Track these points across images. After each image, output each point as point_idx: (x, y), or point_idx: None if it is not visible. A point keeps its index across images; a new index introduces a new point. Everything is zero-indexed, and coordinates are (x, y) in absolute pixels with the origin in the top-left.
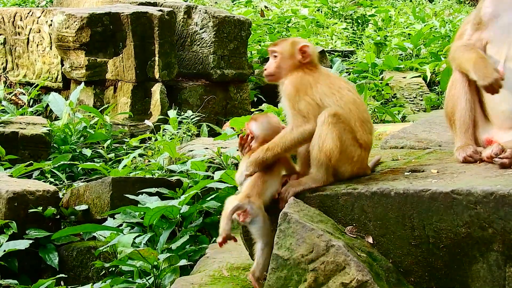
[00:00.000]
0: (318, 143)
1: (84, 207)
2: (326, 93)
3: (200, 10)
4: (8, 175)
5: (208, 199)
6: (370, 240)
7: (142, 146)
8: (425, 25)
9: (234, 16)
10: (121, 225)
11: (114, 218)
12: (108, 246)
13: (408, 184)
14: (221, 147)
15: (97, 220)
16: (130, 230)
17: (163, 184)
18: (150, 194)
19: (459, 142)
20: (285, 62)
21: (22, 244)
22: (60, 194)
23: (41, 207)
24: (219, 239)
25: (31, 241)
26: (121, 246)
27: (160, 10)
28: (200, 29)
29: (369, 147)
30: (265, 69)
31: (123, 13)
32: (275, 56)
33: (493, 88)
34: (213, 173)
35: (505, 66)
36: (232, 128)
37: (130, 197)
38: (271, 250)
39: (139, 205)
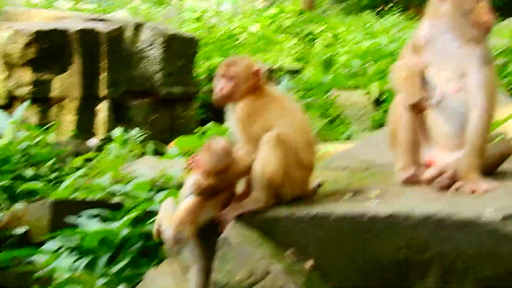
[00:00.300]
0: (260, 165)
1: (23, 229)
2: (276, 116)
3: (148, 27)
4: None
5: (149, 221)
6: (310, 263)
7: (86, 166)
8: (373, 42)
9: (182, 34)
10: (60, 248)
11: (53, 241)
12: (46, 271)
13: (347, 207)
14: (166, 167)
15: (37, 243)
16: (68, 253)
17: (104, 206)
18: (91, 216)
19: (401, 163)
20: (240, 85)
21: None
22: None
23: None
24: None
25: None
26: (58, 271)
27: (108, 27)
28: (148, 46)
29: (312, 169)
30: (219, 91)
31: (70, 29)
32: (230, 78)
33: (417, 108)
34: (157, 193)
35: (445, 87)
36: (176, 147)
37: (70, 220)
38: (207, 274)
39: (78, 228)
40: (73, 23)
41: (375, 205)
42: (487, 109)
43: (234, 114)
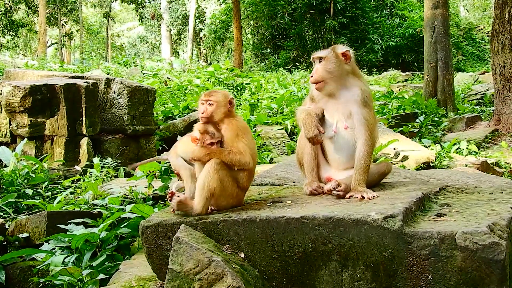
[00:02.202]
0: (202, 181)
1: (25, 235)
2: (250, 140)
3: (117, 81)
4: None
5: (122, 226)
6: (242, 255)
7: (72, 186)
8: (286, 90)
9: (143, 86)
10: (54, 248)
11: (48, 243)
12: (43, 265)
13: (269, 212)
14: (133, 186)
15: (36, 245)
16: (61, 252)
17: (87, 216)
18: (77, 223)
19: (307, 180)
20: (219, 110)
21: None
22: (7, 225)
23: None
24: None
25: None
26: (53, 265)
27: (86, 82)
28: (117, 95)
29: (247, 189)
30: (202, 113)
31: (57, 84)
32: (210, 104)
33: (313, 141)
34: (126, 206)
35: (337, 126)
36: (141, 171)
37: (61, 227)
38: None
39: (68, 233)
40: (59, 80)
41: (289, 211)
42: (368, 139)
43: (225, 130)
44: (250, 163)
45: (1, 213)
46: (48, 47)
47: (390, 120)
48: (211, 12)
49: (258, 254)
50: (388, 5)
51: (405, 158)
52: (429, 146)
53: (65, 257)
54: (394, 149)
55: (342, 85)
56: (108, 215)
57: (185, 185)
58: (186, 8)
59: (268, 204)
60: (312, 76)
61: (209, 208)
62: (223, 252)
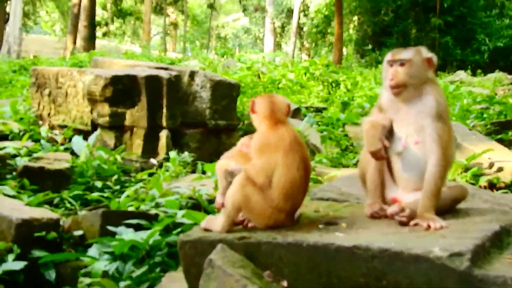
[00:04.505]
0: (229, 194)
1: (80, 232)
2: (277, 163)
3: (201, 74)
4: (25, 204)
5: (174, 232)
6: (285, 283)
7: (144, 180)
8: None
9: (226, 80)
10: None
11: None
12: (87, 270)
13: (319, 237)
14: (200, 186)
15: (89, 244)
16: (106, 258)
17: (143, 217)
18: (130, 225)
19: (369, 199)
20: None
21: (17, 265)
22: (61, 222)
23: (45, 232)
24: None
25: (25, 263)
26: (94, 272)
27: (169, 74)
28: (200, 88)
29: (286, 209)
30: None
31: (139, 75)
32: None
33: (376, 155)
34: (189, 208)
35: (406, 141)
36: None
37: (110, 229)
38: None
39: (116, 236)
40: (142, 71)
41: (341, 236)
42: (440, 159)
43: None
44: (264, 185)
45: (69, 205)
46: (155, 35)
47: (488, 126)
48: (316, 6)
49: (303, 284)
50: (498, 5)
51: (500, 169)
52: None
53: (108, 264)
54: (488, 158)
55: (418, 93)
56: (163, 219)
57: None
58: (291, 1)
59: (320, 226)
60: (392, 79)
61: (247, 222)
62: (262, 280)
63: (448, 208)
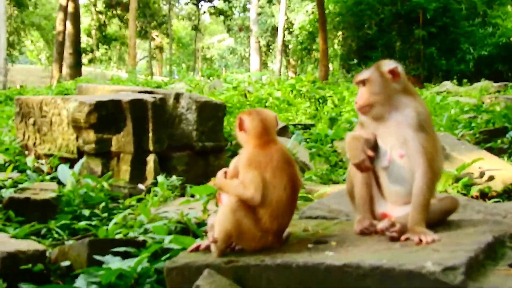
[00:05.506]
0: (218, 221)
1: (67, 263)
2: (265, 182)
3: (186, 96)
4: (10, 236)
5: (163, 259)
6: None
7: (133, 206)
8: None
9: (212, 100)
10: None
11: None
12: None
13: (308, 257)
14: (187, 209)
15: (77, 274)
16: None
17: (131, 244)
18: (117, 253)
19: (358, 216)
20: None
21: None
22: (48, 253)
23: (31, 264)
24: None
25: None
26: None
27: (154, 97)
28: (186, 111)
29: (272, 230)
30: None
31: (123, 99)
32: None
33: (361, 167)
34: (178, 232)
35: (391, 155)
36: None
37: (96, 258)
38: None
39: (104, 265)
40: (126, 95)
41: (331, 255)
42: (427, 171)
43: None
44: (254, 199)
45: (57, 235)
46: (141, 59)
47: (477, 135)
48: (300, 23)
49: None
50: (481, 13)
51: (491, 178)
52: None
53: None
54: (479, 168)
55: (392, 106)
56: (150, 245)
57: None
58: (275, 19)
59: (309, 245)
60: (356, 102)
61: (234, 245)
62: None
63: (439, 220)
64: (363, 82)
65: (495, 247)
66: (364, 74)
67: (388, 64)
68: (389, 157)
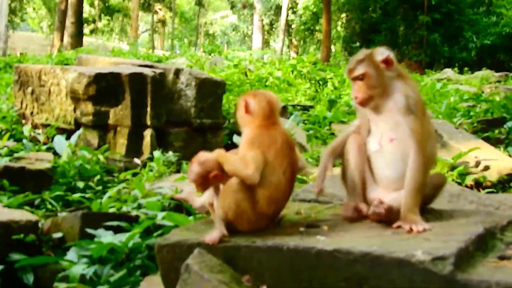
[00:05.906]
0: (219, 202)
1: (60, 235)
2: (267, 162)
3: (186, 72)
4: (4, 205)
5: (155, 235)
6: None
7: (127, 180)
8: None
9: (212, 77)
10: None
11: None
12: (65, 273)
13: (299, 240)
14: (182, 187)
15: (69, 247)
16: (85, 261)
17: (124, 219)
18: (110, 227)
19: (348, 200)
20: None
21: None
22: (40, 224)
23: (23, 234)
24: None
25: (2, 266)
26: (71, 276)
27: (153, 72)
28: (185, 87)
29: (269, 216)
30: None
31: (123, 73)
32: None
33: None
34: (172, 209)
35: (381, 139)
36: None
37: (89, 231)
38: None
39: (95, 239)
40: (126, 68)
41: (322, 240)
42: (418, 154)
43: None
44: (253, 177)
45: (50, 206)
46: (143, 32)
47: (474, 124)
48: (304, 3)
49: None
50: (486, 2)
51: (487, 168)
52: None
53: (86, 268)
54: (475, 157)
55: (386, 93)
56: (143, 221)
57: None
58: None
59: (301, 229)
60: (356, 97)
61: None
62: (241, 285)
63: (432, 196)
64: (361, 78)
65: (485, 239)
66: (360, 69)
67: (381, 54)
68: (379, 141)
